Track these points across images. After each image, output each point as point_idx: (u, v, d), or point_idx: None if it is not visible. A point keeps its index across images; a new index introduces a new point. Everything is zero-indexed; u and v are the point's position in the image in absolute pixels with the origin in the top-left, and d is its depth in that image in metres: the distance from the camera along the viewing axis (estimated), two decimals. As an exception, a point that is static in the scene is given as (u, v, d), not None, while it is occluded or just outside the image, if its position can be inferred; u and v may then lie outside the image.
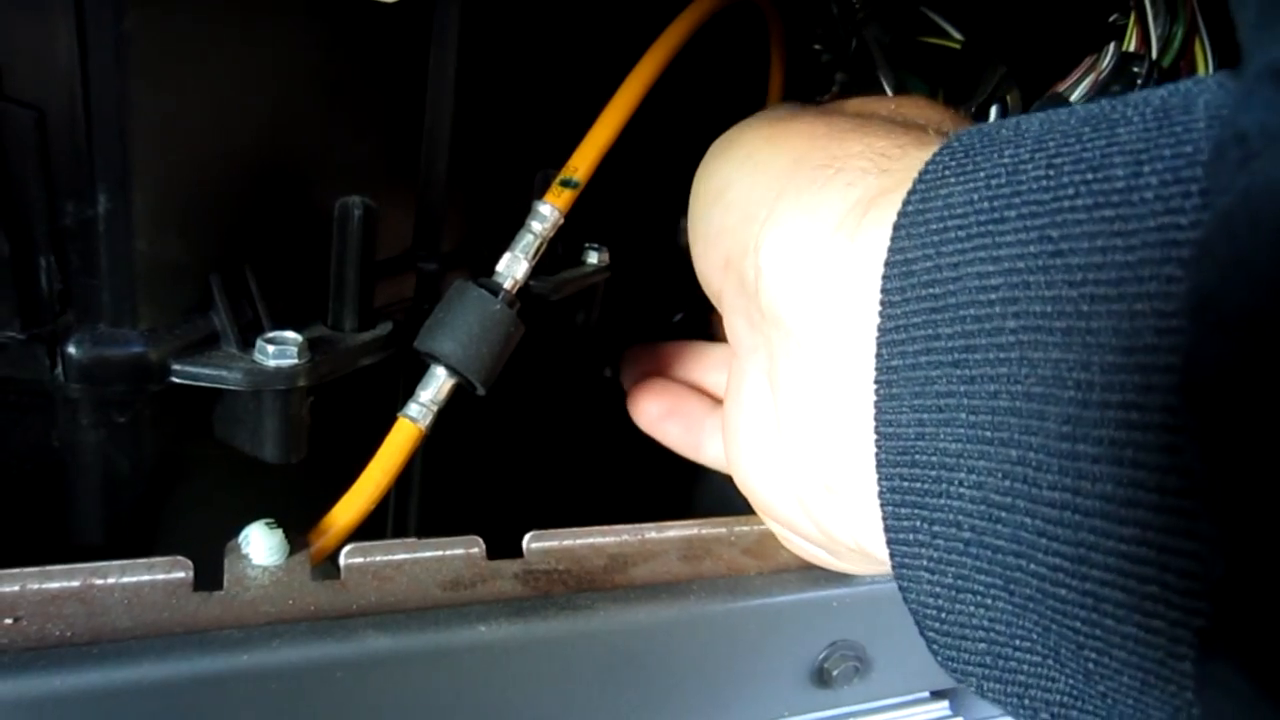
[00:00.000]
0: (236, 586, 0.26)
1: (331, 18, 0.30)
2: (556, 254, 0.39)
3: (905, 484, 0.22)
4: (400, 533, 0.41)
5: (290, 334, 0.30)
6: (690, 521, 0.33)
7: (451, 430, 0.33)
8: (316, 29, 0.30)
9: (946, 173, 0.21)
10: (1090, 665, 0.18)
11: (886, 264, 0.22)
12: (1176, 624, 0.16)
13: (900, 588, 0.23)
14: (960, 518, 0.20)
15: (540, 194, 0.34)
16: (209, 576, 0.26)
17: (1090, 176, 0.18)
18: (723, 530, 0.33)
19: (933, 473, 0.21)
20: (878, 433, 0.22)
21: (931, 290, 0.21)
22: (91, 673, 0.23)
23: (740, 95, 0.46)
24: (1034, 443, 0.18)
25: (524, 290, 0.34)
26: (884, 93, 0.45)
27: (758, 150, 0.29)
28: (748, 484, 0.31)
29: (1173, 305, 0.16)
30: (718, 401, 0.37)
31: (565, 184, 0.34)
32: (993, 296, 0.19)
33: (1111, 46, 0.40)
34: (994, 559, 0.20)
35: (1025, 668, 0.20)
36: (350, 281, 0.31)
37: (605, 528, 0.32)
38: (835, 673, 0.32)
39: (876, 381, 0.22)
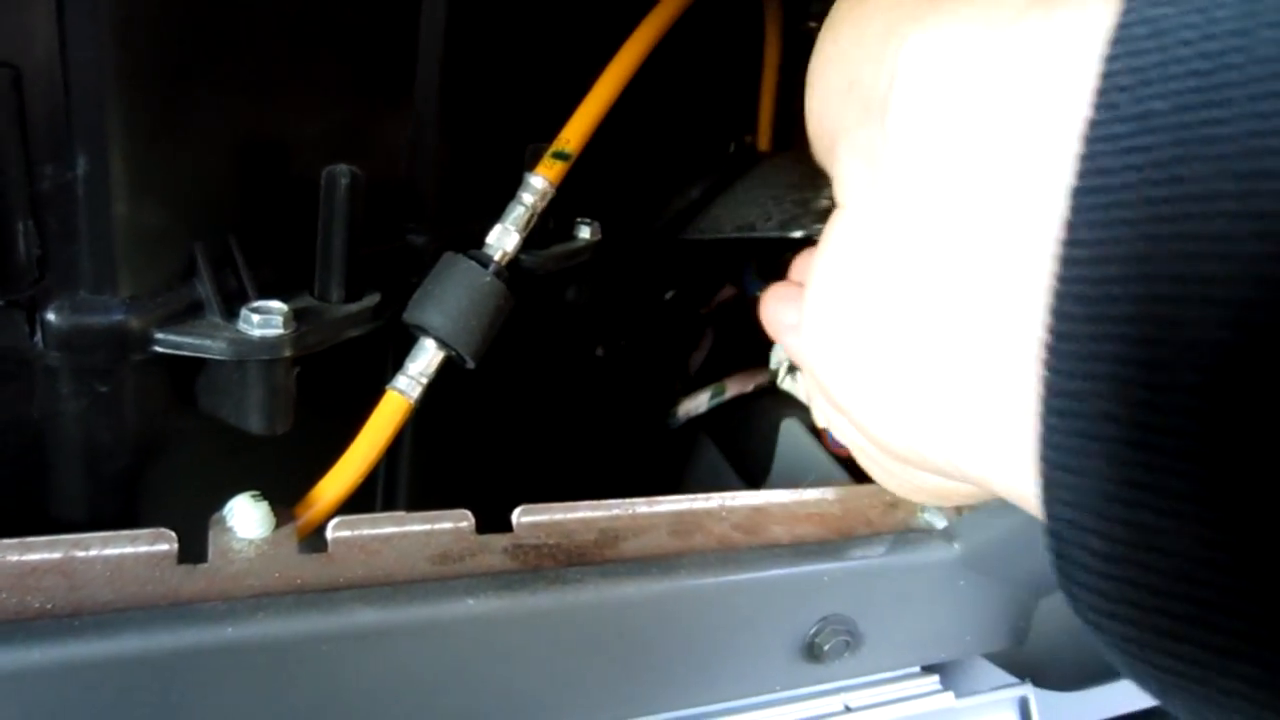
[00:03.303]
0: (221, 559, 0.26)
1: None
2: (548, 229, 0.39)
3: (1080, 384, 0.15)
4: (389, 506, 0.41)
5: (275, 304, 0.29)
6: (681, 496, 0.33)
7: (442, 404, 0.33)
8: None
9: None
10: None
11: (1115, 30, 0.15)
12: None
13: (1046, 499, 0.16)
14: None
15: (531, 166, 0.34)
16: (193, 549, 0.26)
17: None
18: (713, 505, 0.33)
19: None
20: (1048, 323, 0.15)
21: (1194, 66, 0.14)
22: (72, 645, 0.22)
23: (734, 70, 0.45)
24: None
25: (515, 264, 0.34)
26: None
27: None
28: (825, 370, 0.25)
29: None
30: None
31: (557, 156, 0.34)
32: None
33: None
34: None
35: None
36: (337, 251, 0.31)
37: (595, 502, 0.31)
38: (826, 647, 0.32)
39: (1069, 222, 0.15)
